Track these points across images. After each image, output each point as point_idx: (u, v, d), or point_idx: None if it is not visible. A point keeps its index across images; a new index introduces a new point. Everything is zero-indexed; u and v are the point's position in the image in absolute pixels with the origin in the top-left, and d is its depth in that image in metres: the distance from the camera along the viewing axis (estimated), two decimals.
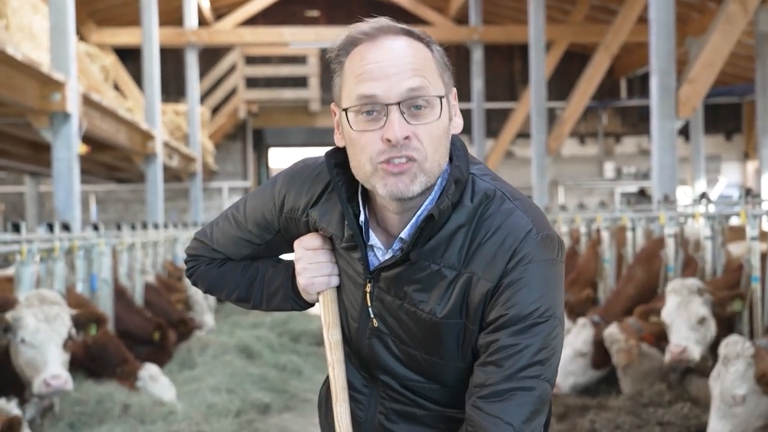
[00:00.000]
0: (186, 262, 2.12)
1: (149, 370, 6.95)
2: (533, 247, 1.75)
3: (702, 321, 5.76)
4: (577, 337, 6.92)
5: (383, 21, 1.78)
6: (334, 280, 1.93)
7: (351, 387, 1.95)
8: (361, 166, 1.76)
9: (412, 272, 1.81)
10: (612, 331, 6.51)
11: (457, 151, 1.82)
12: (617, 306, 7.12)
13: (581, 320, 7.07)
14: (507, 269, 1.74)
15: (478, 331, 1.79)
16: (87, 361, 6.73)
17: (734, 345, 5.00)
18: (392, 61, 1.72)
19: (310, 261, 1.91)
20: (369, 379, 1.95)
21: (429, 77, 1.74)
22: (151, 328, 7.81)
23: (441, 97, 1.75)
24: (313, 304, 2.01)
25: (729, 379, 4.92)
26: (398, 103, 1.71)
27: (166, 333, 7.82)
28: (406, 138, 1.71)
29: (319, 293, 1.94)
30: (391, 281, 1.83)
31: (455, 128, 1.82)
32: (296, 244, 1.94)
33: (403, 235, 1.80)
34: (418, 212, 1.79)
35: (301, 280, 1.93)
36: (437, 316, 1.79)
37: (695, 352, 5.72)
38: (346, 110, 1.75)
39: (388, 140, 1.70)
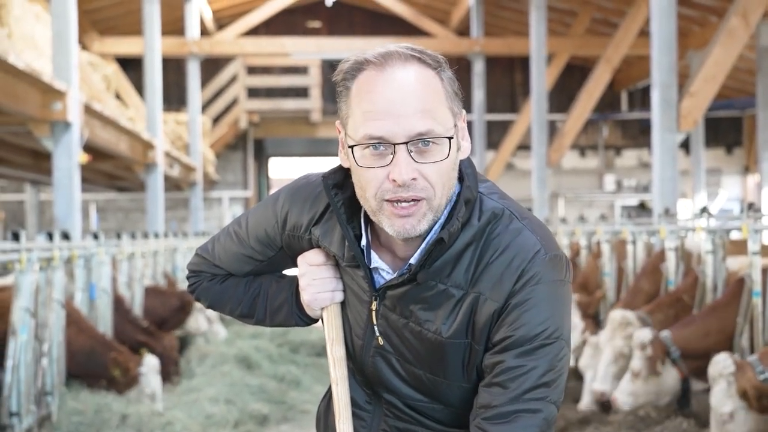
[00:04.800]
0: (188, 278, 2.10)
1: (150, 362, 6.97)
2: (541, 268, 1.73)
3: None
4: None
5: (392, 47, 1.74)
6: (338, 296, 1.91)
7: (354, 404, 1.94)
8: (366, 200, 1.75)
9: (419, 291, 1.79)
10: (644, 337, 6.32)
11: (466, 170, 1.81)
12: None
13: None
14: (515, 290, 1.72)
15: (483, 352, 1.77)
16: (77, 369, 6.75)
17: (717, 364, 5.04)
18: (400, 100, 1.67)
19: (314, 277, 1.89)
20: (372, 396, 1.94)
21: (438, 116, 1.70)
22: (141, 343, 7.80)
23: (450, 138, 1.71)
24: (317, 320, 1.99)
25: (715, 397, 4.99)
26: (406, 143, 1.68)
27: (153, 348, 7.79)
28: (413, 179, 1.69)
29: (322, 309, 1.92)
30: (397, 300, 1.81)
31: (463, 153, 1.79)
32: (300, 259, 1.93)
33: (412, 261, 1.78)
34: (428, 237, 1.77)
35: (305, 296, 1.91)
36: (443, 335, 1.78)
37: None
38: (352, 147, 1.73)
39: (395, 181, 1.69)
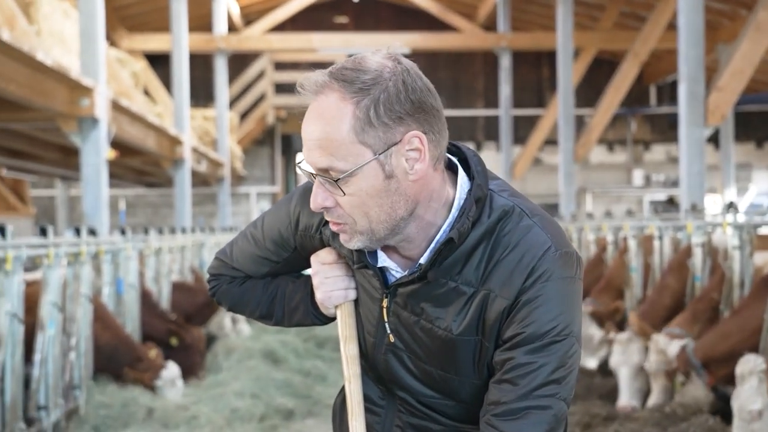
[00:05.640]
0: (208, 281, 2.13)
1: (171, 372, 7.03)
2: (552, 265, 1.73)
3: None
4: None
5: (323, 75, 1.72)
6: (351, 294, 1.93)
7: (369, 400, 1.95)
8: None
9: (429, 289, 1.80)
10: (672, 354, 6.29)
11: (476, 167, 1.80)
12: (655, 317, 7.03)
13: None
14: (525, 287, 1.73)
15: (493, 349, 1.78)
16: (100, 362, 6.84)
17: (747, 362, 5.01)
18: (310, 133, 1.71)
19: (327, 275, 1.92)
20: (386, 393, 1.95)
21: (338, 152, 1.69)
22: (170, 332, 7.89)
23: (353, 171, 1.69)
24: (333, 319, 2.00)
25: (744, 395, 4.94)
26: (316, 174, 1.73)
27: (183, 337, 7.86)
28: (327, 206, 1.74)
29: (336, 307, 1.94)
30: (408, 297, 1.82)
31: (414, 175, 1.73)
32: (313, 258, 1.96)
33: (422, 260, 1.79)
34: (438, 236, 1.78)
35: (318, 294, 1.94)
36: (453, 333, 1.79)
37: None
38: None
39: None
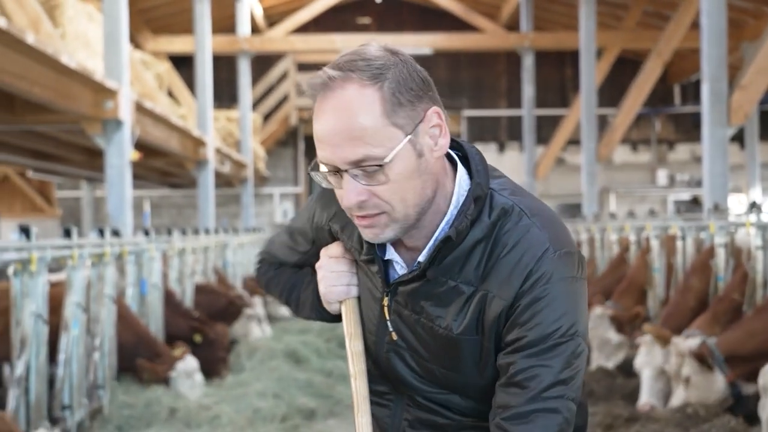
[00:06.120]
0: (256, 262, 2.27)
1: (187, 365, 7.07)
2: (550, 266, 1.72)
3: None
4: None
5: (333, 70, 1.71)
6: (354, 290, 1.95)
7: (379, 393, 1.97)
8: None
9: (430, 288, 1.81)
10: (692, 344, 6.25)
11: (477, 166, 1.81)
12: (680, 318, 7.00)
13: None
14: (524, 289, 1.72)
15: (494, 350, 1.78)
16: (123, 361, 6.91)
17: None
18: (332, 130, 1.69)
19: (331, 269, 1.94)
20: (393, 388, 1.97)
21: (374, 139, 1.68)
22: (194, 329, 7.95)
23: (381, 165, 1.69)
24: (338, 317, 2.02)
25: None
26: (347, 170, 1.71)
27: (206, 333, 7.92)
28: (362, 200, 1.72)
29: (341, 303, 1.96)
30: (408, 296, 1.84)
31: (439, 150, 1.76)
32: (322, 251, 1.99)
33: (420, 258, 1.81)
34: (436, 233, 1.79)
35: (321, 288, 1.97)
36: (453, 332, 1.79)
37: None
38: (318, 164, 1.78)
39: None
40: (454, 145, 1.86)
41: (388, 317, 1.88)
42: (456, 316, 1.79)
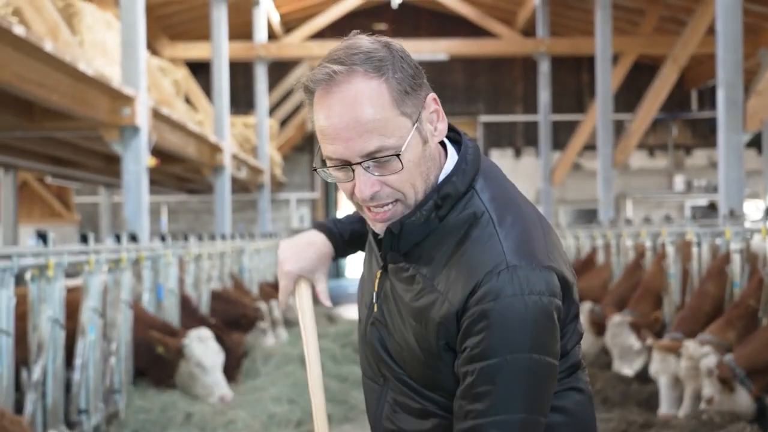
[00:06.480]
0: None
1: (199, 332, 7.12)
2: (500, 281, 1.68)
3: None
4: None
5: (335, 64, 1.70)
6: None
7: (371, 375, 1.97)
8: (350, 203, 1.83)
9: (399, 271, 1.85)
10: (710, 365, 6.24)
11: (463, 164, 1.81)
12: (694, 324, 6.98)
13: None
14: (470, 303, 1.69)
15: (437, 349, 1.76)
16: (138, 361, 6.97)
17: None
18: (345, 124, 1.68)
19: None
20: (378, 368, 1.98)
21: (388, 129, 1.69)
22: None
23: (398, 155, 1.71)
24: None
25: None
26: (360, 162, 1.71)
27: (222, 341, 7.96)
28: (376, 191, 1.73)
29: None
30: (392, 273, 1.87)
31: (439, 135, 1.79)
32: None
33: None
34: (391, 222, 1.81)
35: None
36: (405, 316, 1.83)
37: None
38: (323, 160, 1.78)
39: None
40: (452, 135, 1.88)
41: (376, 289, 1.92)
42: (412, 303, 1.80)
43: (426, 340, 1.78)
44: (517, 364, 1.67)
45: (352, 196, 1.77)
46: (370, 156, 1.70)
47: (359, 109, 1.68)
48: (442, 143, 1.85)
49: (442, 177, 1.80)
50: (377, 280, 1.91)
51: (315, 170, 1.80)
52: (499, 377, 1.67)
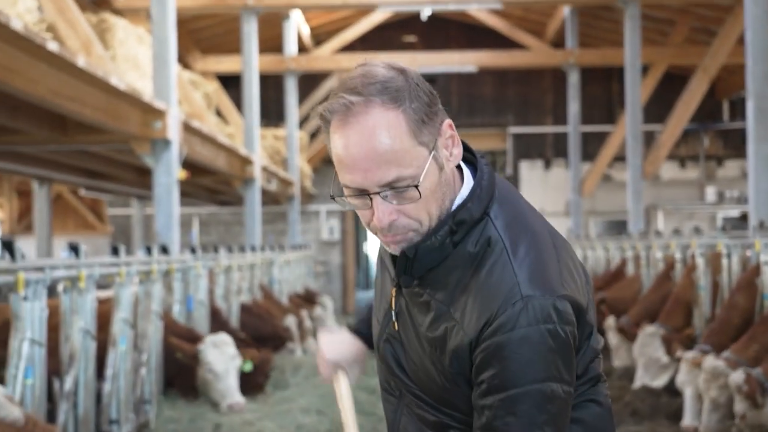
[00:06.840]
0: None
1: (216, 337, 7.16)
2: (515, 313, 1.69)
3: None
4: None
5: (351, 95, 1.70)
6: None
7: (388, 387, 1.99)
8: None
9: (413, 295, 1.86)
10: (738, 381, 6.21)
11: (478, 190, 1.82)
12: (724, 336, 6.94)
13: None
14: (485, 334, 1.71)
15: (453, 375, 1.78)
16: (169, 372, 7.05)
17: None
18: (363, 155, 1.69)
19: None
20: (394, 381, 2.00)
21: (406, 159, 1.70)
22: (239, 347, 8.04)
23: (416, 185, 1.72)
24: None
25: None
26: (378, 192, 1.72)
27: (251, 355, 8.01)
28: (394, 219, 1.74)
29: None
30: (408, 294, 1.89)
31: (455, 160, 1.80)
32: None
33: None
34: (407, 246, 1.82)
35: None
36: (422, 341, 1.84)
37: None
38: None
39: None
40: (467, 156, 1.88)
41: (393, 307, 1.93)
42: (427, 329, 1.82)
43: (441, 364, 1.80)
44: (536, 393, 1.68)
45: (369, 223, 1.79)
46: (389, 186, 1.71)
47: (377, 141, 1.69)
48: (457, 165, 1.85)
49: (457, 202, 1.81)
50: (393, 298, 1.92)
51: (333, 198, 1.80)
52: (519, 408, 1.68)
